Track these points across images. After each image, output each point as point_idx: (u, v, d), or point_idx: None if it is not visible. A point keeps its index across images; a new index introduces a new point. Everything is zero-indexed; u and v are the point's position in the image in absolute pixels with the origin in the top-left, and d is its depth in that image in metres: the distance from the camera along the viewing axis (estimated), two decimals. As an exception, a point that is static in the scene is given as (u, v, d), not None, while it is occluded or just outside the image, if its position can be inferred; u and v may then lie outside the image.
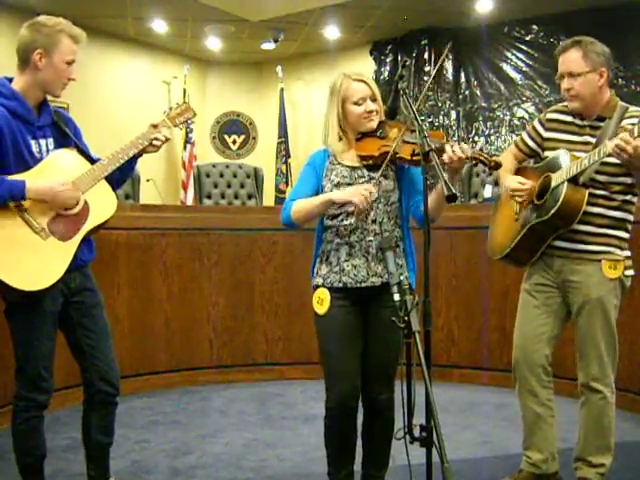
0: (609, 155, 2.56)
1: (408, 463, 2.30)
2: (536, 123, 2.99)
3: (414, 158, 2.51)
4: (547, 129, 2.92)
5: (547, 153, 2.91)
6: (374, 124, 2.65)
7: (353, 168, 2.66)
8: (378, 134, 2.65)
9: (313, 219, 2.69)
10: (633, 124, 2.52)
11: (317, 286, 2.68)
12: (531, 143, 2.99)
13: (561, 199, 2.67)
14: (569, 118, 2.87)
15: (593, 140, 2.76)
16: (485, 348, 4.92)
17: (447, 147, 2.41)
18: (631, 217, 2.82)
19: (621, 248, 2.80)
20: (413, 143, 2.50)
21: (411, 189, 2.66)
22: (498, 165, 2.54)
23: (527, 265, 2.97)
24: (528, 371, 2.93)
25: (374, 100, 2.64)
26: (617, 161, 2.60)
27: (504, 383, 4.82)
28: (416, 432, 2.20)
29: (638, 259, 4.04)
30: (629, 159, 2.49)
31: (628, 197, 2.78)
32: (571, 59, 2.73)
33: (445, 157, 2.40)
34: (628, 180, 2.74)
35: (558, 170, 2.75)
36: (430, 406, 2.07)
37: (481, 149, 2.64)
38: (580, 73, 2.71)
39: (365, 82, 2.65)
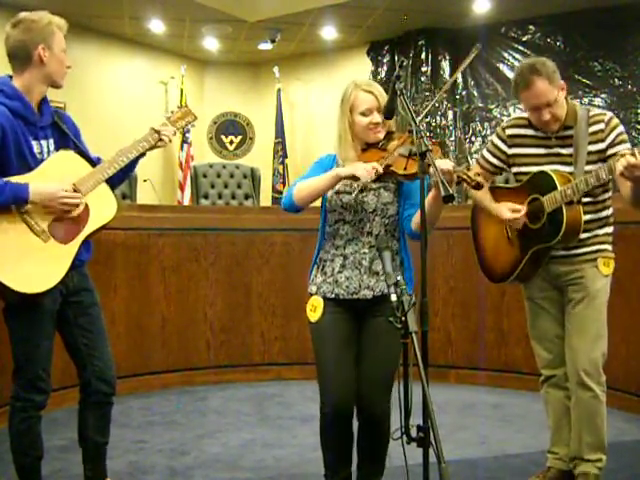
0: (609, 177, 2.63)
1: (405, 464, 2.30)
2: (497, 141, 3.00)
3: (406, 171, 2.49)
4: (510, 145, 2.95)
5: (516, 169, 2.95)
6: (380, 136, 2.63)
7: (355, 178, 2.64)
8: (380, 145, 2.63)
9: (316, 197, 2.62)
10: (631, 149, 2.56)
11: (311, 294, 2.69)
12: (495, 161, 3.01)
13: (565, 223, 2.72)
14: (530, 132, 2.91)
15: (563, 150, 2.82)
16: (482, 348, 4.93)
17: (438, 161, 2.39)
18: (612, 211, 2.91)
19: (610, 243, 2.89)
20: (406, 157, 2.49)
21: (406, 202, 2.63)
22: (480, 185, 2.55)
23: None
24: (555, 368, 2.95)
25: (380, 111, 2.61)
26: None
27: (501, 383, 4.84)
28: (413, 432, 2.20)
29: (635, 259, 4.07)
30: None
31: (606, 195, 2.87)
32: (542, 90, 2.74)
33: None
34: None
35: (546, 191, 2.78)
36: (427, 406, 2.07)
37: (468, 167, 2.65)
38: (555, 99, 2.76)
39: (373, 93, 2.62)
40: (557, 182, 2.75)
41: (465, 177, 2.46)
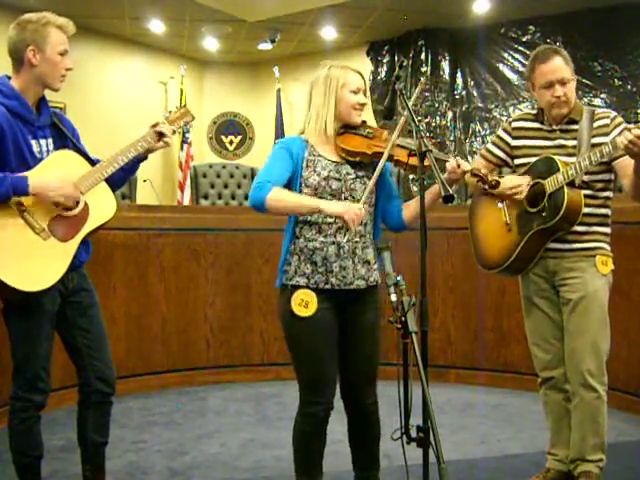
0: (614, 154, 2.61)
1: (405, 464, 2.30)
2: (502, 133, 3.01)
3: (410, 161, 2.50)
4: (515, 137, 2.96)
5: (519, 161, 2.95)
6: (360, 119, 2.62)
7: (337, 163, 2.59)
8: (365, 133, 2.60)
9: (289, 214, 2.65)
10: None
11: (296, 286, 2.56)
12: (500, 153, 3.01)
13: (565, 202, 2.70)
14: (536, 125, 2.92)
15: (567, 142, 2.83)
16: (482, 348, 4.93)
17: (451, 159, 2.41)
18: (610, 212, 2.90)
19: (608, 243, 2.88)
20: (407, 148, 2.49)
21: (385, 194, 2.64)
22: (497, 184, 2.57)
23: (523, 273, 2.98)
24: (554, 370, 2.94)
25: (365, 95, 2.65)
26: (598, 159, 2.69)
27: (501, 383, 4.84)
28: (413, 433, 2.21)
29: (635, 259, 4.07)
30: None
31: (607, 193, 2.86)
32: (560, 66, 2.78)
33: (448, 165, 2.41)
34: (606, 177, 2.83)
35: (548, 176, 2.77)
36: (427, 407, 2.07)
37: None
38: (570, 79, 2.80)
39: (361, 75, 2.66)
40: (560, 166, 2.74)
41: (482, 176, 2.51)
